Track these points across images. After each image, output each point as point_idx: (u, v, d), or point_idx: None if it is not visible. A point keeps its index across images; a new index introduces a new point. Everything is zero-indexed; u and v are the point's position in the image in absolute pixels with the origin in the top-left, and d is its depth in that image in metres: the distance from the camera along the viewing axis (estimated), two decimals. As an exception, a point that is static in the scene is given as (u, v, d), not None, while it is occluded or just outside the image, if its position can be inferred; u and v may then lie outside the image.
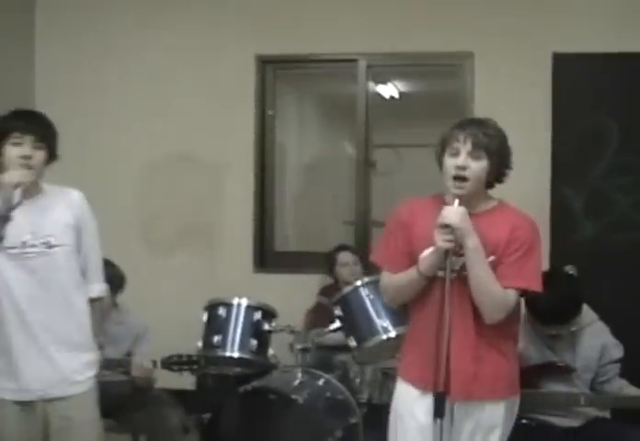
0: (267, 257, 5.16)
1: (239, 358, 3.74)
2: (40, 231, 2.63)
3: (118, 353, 3.70)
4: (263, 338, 3.80)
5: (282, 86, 5.29)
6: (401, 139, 5.55)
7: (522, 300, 3.21)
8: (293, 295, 4.72)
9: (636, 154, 4.66)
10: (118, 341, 3.72)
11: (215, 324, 3.78)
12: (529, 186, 4.72)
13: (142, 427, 3.66)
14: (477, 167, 2.46)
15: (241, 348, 3.73)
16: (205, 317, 3.85)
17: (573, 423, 3.23)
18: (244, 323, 3.79)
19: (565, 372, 3.21)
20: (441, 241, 2.38)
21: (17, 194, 2.48)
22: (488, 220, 2.50)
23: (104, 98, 5.17)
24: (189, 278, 5.02)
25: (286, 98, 5.34)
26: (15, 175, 2.53)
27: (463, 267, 2.44)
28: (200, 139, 5.08)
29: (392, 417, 2.70)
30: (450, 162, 2.48)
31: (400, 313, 3.51)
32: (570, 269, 3.83)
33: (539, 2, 4.75)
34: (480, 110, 4.76)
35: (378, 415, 4.06)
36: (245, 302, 3.82)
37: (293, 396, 3.60)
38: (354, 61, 4.99)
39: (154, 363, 3.61)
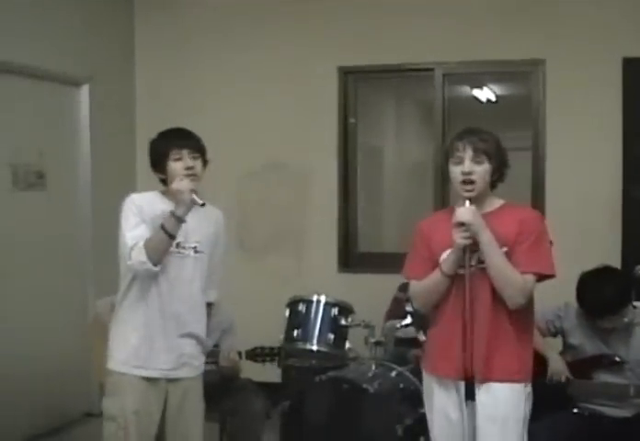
0: (350, 258, 5.44)
1: (317, 351, 3.98)
2: (191, 237, 3.01)
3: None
4: (340, 332, 4.02)
5: (363, 95, 5.56)
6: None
7: (575, 297, 3.45)
8: (375, 294, 4.91)
9: None
10: (207, 333, 4.07)
11: (296, 319, 4.05)
12: (601, 188, 4.87)
13: (228, 411, 3.92)
14: (481, 170, 2.71)
15: (319, 341, 3.98)
16: (287, 313, 4.12)
17: (624, 413, 3.39)
18: (322, 318, 4.03)
19: (616, 364, 3.37)
20: (459, 238, 2.64)
21: (196, 198, 2.86)
22: (497, 217, 2.74)
23: (201, 113, 5.49)
24: (279, 278, 5.35)
25: (367, 106, 5.59)
26: (186, 182, 2.90)
27: (479, 262, 2.68)
28: (287, 148, 5.41)
29: (424, 399, 3.00)
30: (455, 170, 2.74)
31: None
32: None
33: (607, 8, 4.82)
34: (552, 115, 4.94)
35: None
36: (323, 299, 4.08)
37: (364, 385, 3.85)
38: (431, 69, 5.20)
39: (240, 354, 3.90)
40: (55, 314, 4.97)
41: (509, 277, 2.67)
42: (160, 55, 5.67)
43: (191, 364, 3.09)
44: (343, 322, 4.08)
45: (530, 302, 2.76)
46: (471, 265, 2.69)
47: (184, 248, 3.01)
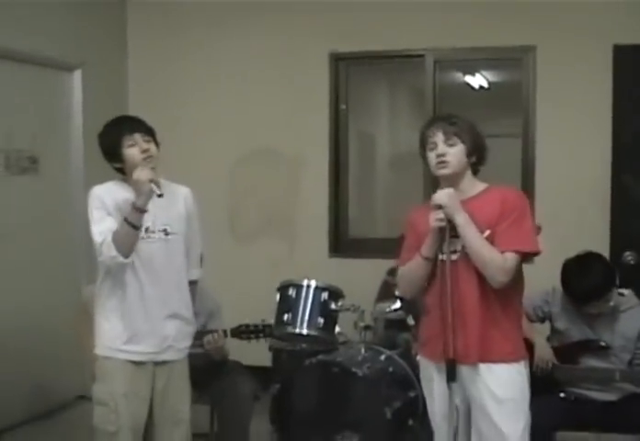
0: (341, 243, 5.48)
1: (307, 335, 3.98)
2: (159, 220, 3.03)
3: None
4: (329, 316, 4.02)
5: (354, 81, 5.57)
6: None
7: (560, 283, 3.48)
8: (365, 278, 4.97)
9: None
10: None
11: (286, 304, 4.04)
12: (591, 174, 4.91)
13: (218, 394, 3.95)
14: (454, 151, 2.77)
15: (309, 326, 3.97)
16: (277, 297, 4.12)
17: (610, 397, 3.44)
18: (312, 303, 4.02)
19: (602, 349, 3.41)
20: (433, 220, 2.69)
21: (155, 188, 2.87)
22: (479, 201, 2.79)
23: (193, 100, 5.61)
24: (270, 263, 5.38)
25: (358, 93, 5.62)
26: (146, 172, 2.90)
27: (464, 247, 2.71)
28: (279, 134, 5.44)
29: (423, 384, 3.06)
30: (431, 155, 2.81)
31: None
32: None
33: (598, -5, 4.86)
34: (543, 102, 4.98)
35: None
36: (313, 283, 4.07)
37: (354, 369, 3.89)
38: (422, 56, 5.23)
39: (225, 332, 3.87)
40: (48, 298, 5.00)
41: (487, 256, 2.70)
42: (152, 42, 5.69)
43: (176, 347, 3.12)
44: (333, 306, 4.08)
45: (518, 283, 2.80)
46: (458, 251, 2.73)
47: (153, 232, 3.04)
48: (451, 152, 2.77)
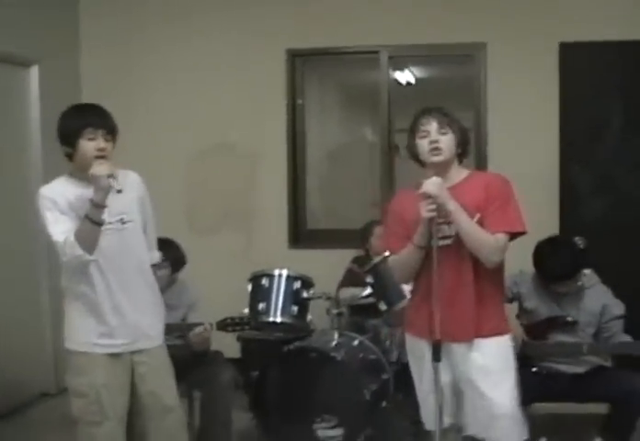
0: (300, 235, 5.60)
1: (282, 323, 4.08)
2: (113, 210, 2.97)
3: (173, 319, 3.94)
4: (302, 305, 4.14)
5: (309, 77, 5.70)
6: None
7: (532, 264, 3.69)
8: (323, 269, 5.08)
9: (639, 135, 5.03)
10: (174, 308, 4.00)
11: (259, 293, 4.12)
12: (539, 167, 5.14)
13: (198, 384, 4.01)
14: (446, 139, 2.93)
15: (283, 314, 4.07)
16: (250, 287, 4.19)
17: (578, 369, 3.66)
18: (285, 292, 4.12)
19: (570, 325, 3.64)
20: (425, 211, 2.81)
21: (115, 183, 2.84)
22: (465, 186, 2.95)
23: (148, 96, 5.61)
24: (230, 256, 5.46)
25: (313, 88, 5.75)
26: (104, 167, 2.86)
27: (456, 232, 2.87)
28: (236, 128, 5.51)
29: (410, 363, 3.20)
30: (423, 142, 2.94)
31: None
32: (579, 240, 4.23)
33: (546, -5, 5.12)
34: (493, 96, 5.20)
35: (407, 373, 4.55)
36: (285, 273, 4.17)
37: (332, 354, 4.04)
38: (376, 52, 5.40)
39: (211, 326, 3.89)
40: (7, 295, 4.96)
41: (480, 238, 2.85)
42: (106, 36, 5.67)
43: (149, 334, 3.12)
44: (305, 294, 4.18)
45: (502, 263, 2.97)
46: (451, 236, 2.89)
47: (110, 223, 2.98)
48: (444, 140, 2.92)
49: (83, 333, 3.00)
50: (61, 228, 2.87)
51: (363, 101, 5.70)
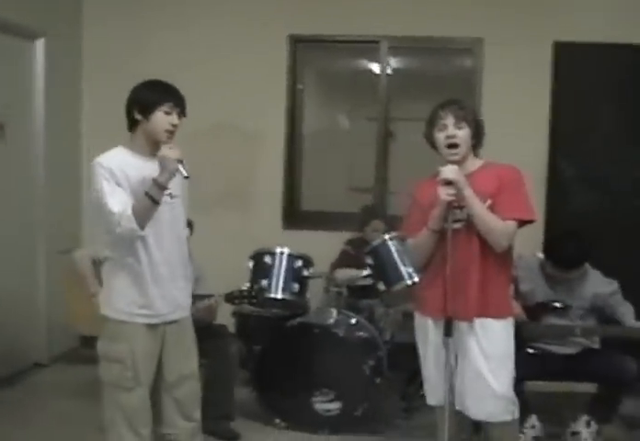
0: (294, 216, 5.74)
1: (283, 299, 4.14)
2: None
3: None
4: (303, 282, 4.22)
5: (310, 63, 5.83)
6: (418, 113, 6.08)
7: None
8: (315, 250, 5.24)
9: (626, 131, 5.26)
10: None
11: (262, 270, 4.18)
12: (528, 160, 5.29)
13: (205, 355, 4.11)
14: (463, 134, 3.11)
15: (285, 290, 4.14)
16: (251, 264, 4.26)
17: (569, 350, 3.88)
18: (286, 269, 4.20)
19: (563, 308, 3.85)
20: (444, 195, 2.99)
21: (183, 169, 2.96)
22: (479, 176, 3.13)
23: (149, 72, 5.54)
24: (226, 235, 5.55)
25: (312, 74, 5.89)
26: (175, 152, 2.96)
27: (469, 217, 3.05)
28: (236, 111, 5.61)
29: (417, 340, 3.38)
30: (440, 135, 3.13)
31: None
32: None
33: (543, -6, 5.31)
34: (488, 89, 5.38)
35: (399, 351, 4.75)
36: (286, 251, 4.26)
37: (334, 330, 4.24)
38: (377, 42, 5.55)
39: (220, 297, 4.01)
40: (5, 265, 5.03)
41: (492, 223, 3.04)
42: (109, 13, 5.75)
43: (183, 305, 3.24)
44: (305, 273, 4.27)
45: (510, 248, 3.16)
46: (463, 220, 3.07)
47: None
48: (460, 135, 3.10)
49: (124, 303, 3.08)
50: (117, 199, 2.93)
51: (361, 89, 5.85)
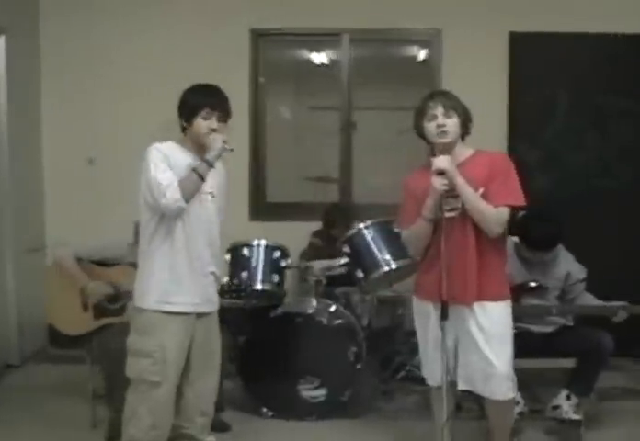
0: (260, 208, 5.79)
1: (263, 291, 4.27)
2: (208, 183, 3.27)
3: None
4: (281, 273, 4.36)
5: (271, 56, 5.88)
6: (381, 102, 6.22)
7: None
8: (282, 241, 5.30)
9: (581, 118, 5.48)
10: None
11: (240, 263, 4.30)
12: (489, 145, 5.46)
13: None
14: (452, 123, 3.26)
15: (265, 282, 4.28)
16: (228, 257, 4.34)
17: (547, 329, 4.06)
18: (265, 261, 4.33)
19: (540, 289, 4.03)
20: (438, 185, 3.12)
21: (227, 145, 3.22)
22: (470, 164, 3.28)
23: (112, 69, 5.66)
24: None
25: (274, 66, 5.94)
26: (220, 135, 3.22)
27: (463, 205, 3.18)
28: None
29: (416, 324, 3.49)
30: (430, 125, 3.27)
31: (398, 249, 4.28)
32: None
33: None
34: (447, 78, 5.53)
35: (375, 337, 4.88)
36: (263, 242, 4.37)
37: (318, 318, 4.31)
38: (338, 34, 5.64)
39: None
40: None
41: (485, 211, 3.18)
42: (66, 9, 5.68)
43: (213, 300, 3.37)
44: (283, 263, 4.40)
45: (504, 233, 3.30)
46: (458, 208, 3.19)
47: (204, 193, 3.27)
48: (449, 123, 3.24)
49: (159, 293, 3.18)
50: (167, 175, 3.12)
51: (323, 80, 5.93)
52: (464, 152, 3.36)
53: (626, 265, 5.37)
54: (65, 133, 5.70)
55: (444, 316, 3.12)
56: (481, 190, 3.21)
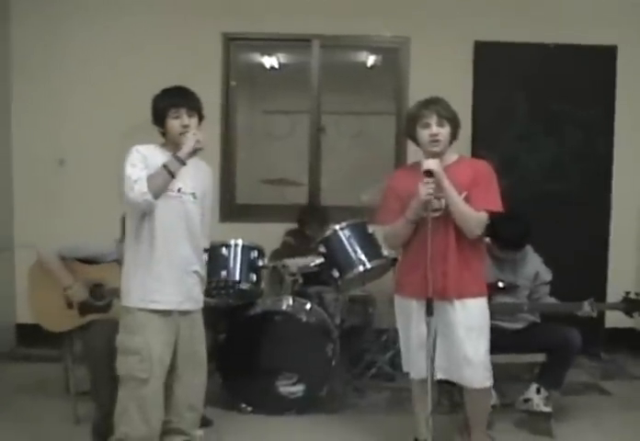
0: (230, 209, 5.87)
1: (243, 290, 4.32)
2: (189, 184, 3.35)
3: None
4: (259, 272, 4.41)
5: (242, 60, 5.98)
6: (346, 107, 6.40)
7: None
8: (252, 241, 5.44)
9: (539, 124, 5.73)
10: None
11: (219, 262, 4.33)
12: (453, 148, 5.71)
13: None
14: (444, 132, 3.44)
15: (244, 281, 4.33)
16: (206, 257, 4.48)
17: (517, 326, 4.24)
18: (242, 260, 4.38)
19: (511, 287, 4.21)
20: (424, 193, 3.28)
21: (199, 144, 3.26)
22: (455, 169, 3.45)
23: (83, 72, 5.70)
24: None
25: (245, 70, 6.03)
26: (194, 136, 3.26)
27: (446, 206, 3.36)
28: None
29: (398, 322, 3.65)
30: (424, 132, 3.44)
31: (372, 249, 4.44)
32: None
33: (464, -3, 5.68)
34: (415, 84, 5.70)
35: (347, 335, 5.01)
36: (240, 242, 4.43)
37: (298, 316, 4.42)
38: (309, 40, 5.76)
39: None
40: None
41: (467, 214, 3.37)
42: (37, 11, 5.70)
43: (196, 298, 3.44)
44: (260, 263, 4.47)
45: (482, 235, 3.49)
46: (437, 209, 3.37)
47: (185, 193, 3.35)
48: (442, 132, 3.42)
49: (140, 291, 3.26)
50: (139, 173, 3.20)
51: (293, 84, 6.05)
52: (451, 157, 3.54)
53: (581, 264, 5.62)
54: (35, 134, 5.71)
55: (430, 312, 3.25)
56: (464, 194, 3.39)
